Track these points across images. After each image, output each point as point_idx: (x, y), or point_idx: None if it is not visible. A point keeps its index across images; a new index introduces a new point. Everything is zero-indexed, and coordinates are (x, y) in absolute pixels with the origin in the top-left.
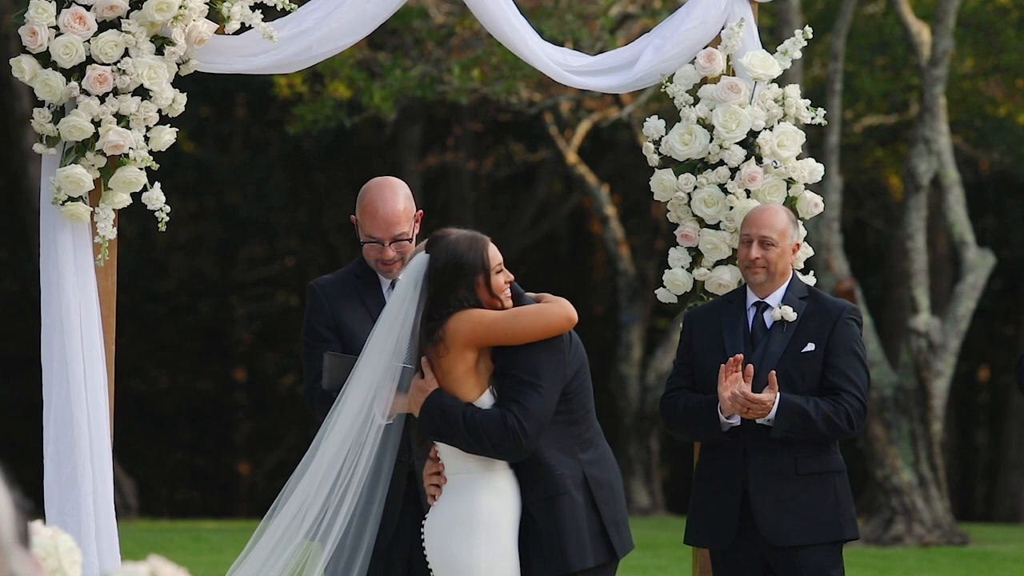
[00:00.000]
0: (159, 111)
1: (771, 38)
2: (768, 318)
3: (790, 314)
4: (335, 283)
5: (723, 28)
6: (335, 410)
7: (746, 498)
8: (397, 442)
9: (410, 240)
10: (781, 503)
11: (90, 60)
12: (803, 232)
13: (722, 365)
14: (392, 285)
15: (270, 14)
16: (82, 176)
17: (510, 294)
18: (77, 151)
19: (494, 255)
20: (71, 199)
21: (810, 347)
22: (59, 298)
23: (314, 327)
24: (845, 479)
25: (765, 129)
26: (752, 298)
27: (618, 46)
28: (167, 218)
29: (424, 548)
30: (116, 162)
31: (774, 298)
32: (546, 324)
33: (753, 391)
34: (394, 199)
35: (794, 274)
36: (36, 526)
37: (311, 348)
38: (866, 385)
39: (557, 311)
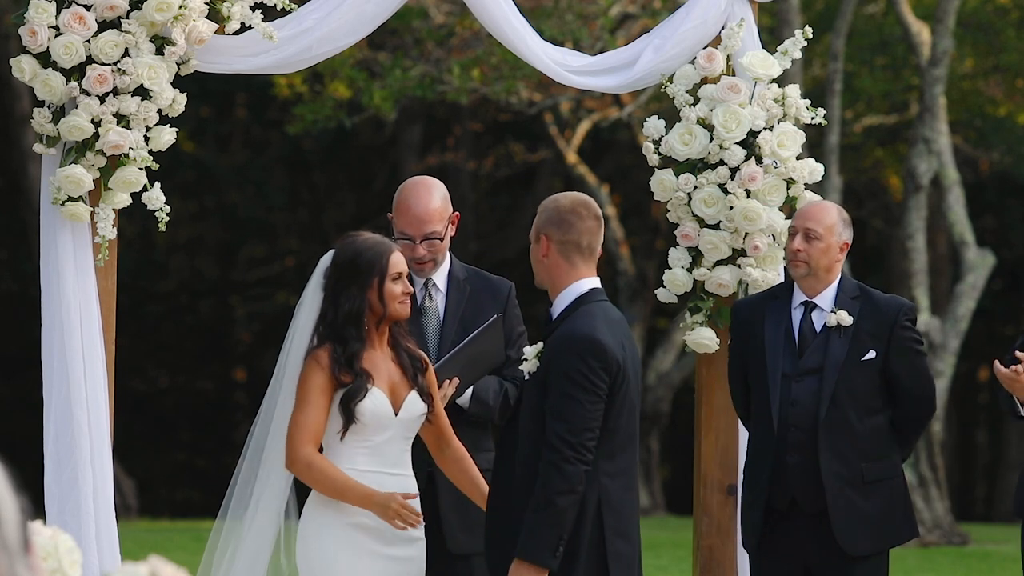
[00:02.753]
0: (159, 111)
1: (771, 38)
2: (818, 320)
3: (846, 319)
4: None
5: (723, 28)
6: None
7: (795, 504)
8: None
9: (441, 239)
10: (852, 512)
11: (90, 60)
12: (851, 233)
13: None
14: (426, 284)
15: (270, 14)
16: (82, 176)
17: (408, 304)
18: (77, 151)
19: (396, 262)
20: (71, 199)
21: (871, 355)
22: (59, 298)
23: None
24: (902, 482)
25: (765, 129)
26: (799, 297)
27: (618, 46)
28: (167, 218)
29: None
30: (116, 162)
31: (823, 298)
32: (287, 442)
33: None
34: (428, 197)
35: (843, 274)
36: (36, 526)
37: None
38: (931, 377)
39: (289, 449)
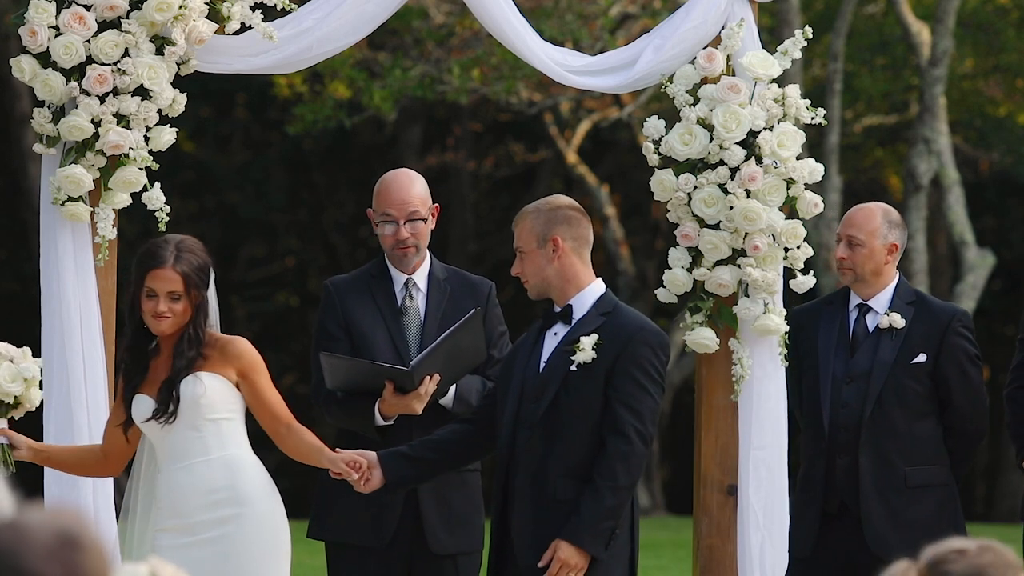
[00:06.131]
0: (159, 111)
1: (771, 38)
2: (871, 322)
3: (898, 321)
4: (349, 282)
5: (723, 28)
6: None
7: (844, 507)
8: None
9: (425, 221)
10: (891, 516)
11: (90, 60)
12: (902, 233)
13: None
14: (406, 284)
15: (270, 14)
16: (82, 176)
17: (161, 322)
18: (77, 151)
19: (154, 276)
20: (71, 199)
21: (921, 358)
22: (59, 298)
23: (325, 326)
24: (953, 491)
25: (765, 129)
26: (855, 300)
27: (618, 46)
28: (167, 218)
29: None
30: (116, 162)
31: (878, 301)
32: None
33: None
34: (409, 184)
35: (901, 277)
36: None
37: (320, 347)
38: (983, 390)
39: None
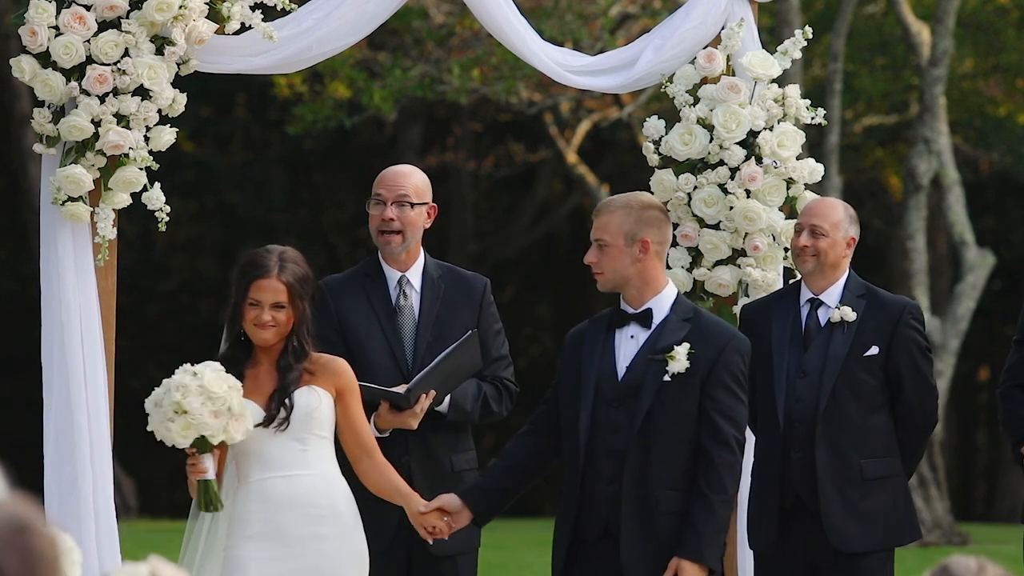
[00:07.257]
0: (159, 111)
1: (771, 38)
2: (823, 316)
3: (849, 314)
4: (343, 281)
5: (723, 28)
6: None
7: (799, 501)
8: None
9: (413, 207)
10: (849, 509)
11: (90, 60)
12: (858, 230)
13: None
14: (400, 283)
15: (270, 14)
16: (82, 176)
17: (266, 331)
18: (77, 151)
19: (258, 287)
20: (71, 199)
21: (874, 350)
22: (59, 298)
23: (319, 328)
24: (904, 483)
25: (765, 129)
26: (806, 294)
27: (618, 46)
28: (167, 218)
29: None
30: (116, 162)
31: (830, 295)
32: None
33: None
34: (407, 172)
35: (851, 272)
36: None
37: (315, 348)
38: (934, 382)
39: None
